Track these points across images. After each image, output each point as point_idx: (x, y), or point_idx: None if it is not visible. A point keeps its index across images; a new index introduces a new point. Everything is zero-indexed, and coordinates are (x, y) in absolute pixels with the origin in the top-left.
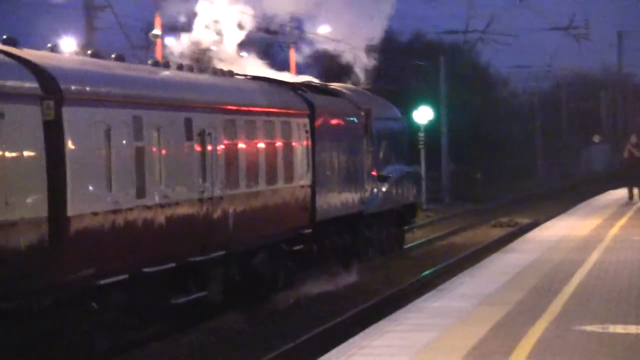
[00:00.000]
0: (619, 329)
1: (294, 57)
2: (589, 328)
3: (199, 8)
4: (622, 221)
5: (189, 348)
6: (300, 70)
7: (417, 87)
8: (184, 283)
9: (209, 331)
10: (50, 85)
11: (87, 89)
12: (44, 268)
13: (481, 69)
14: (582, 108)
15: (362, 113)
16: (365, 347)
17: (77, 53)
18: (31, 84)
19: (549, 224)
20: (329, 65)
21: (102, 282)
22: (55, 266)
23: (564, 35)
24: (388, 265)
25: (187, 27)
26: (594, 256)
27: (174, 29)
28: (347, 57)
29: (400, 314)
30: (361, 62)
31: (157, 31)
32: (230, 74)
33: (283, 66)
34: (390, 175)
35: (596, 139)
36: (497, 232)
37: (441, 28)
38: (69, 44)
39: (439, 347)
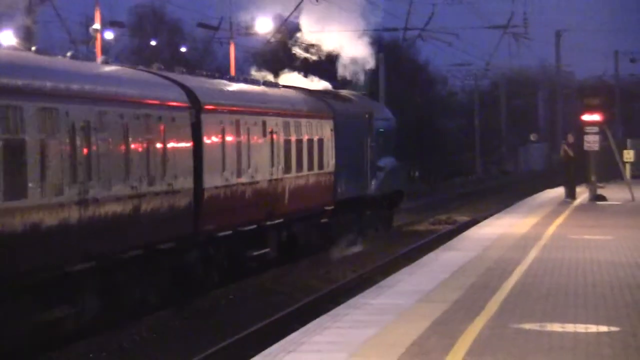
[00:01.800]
0: (557, 327)
1: (233, 52)
2: (526, 326)
3: None
4: (560, 220)
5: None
6: (238, 65)
7: (356, 83)
8: (254, 241)
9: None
10: (193, 99)
11: (213, 101)
12: (190, 221)
13: (420, 66)
14: (520, 106)
15: (366, 115)
16: (305, 343)
17: (17, 47)
18: (184, 98)
19: (487, 222)
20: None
21: (219, 234)
22: (196, 221)
23: (502, 34)
24: (329, 263)
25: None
26: (532, 254)
27: (113, 23)
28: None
29: (339, 310)
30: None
31: (96, 26)
32: (277, 85)
33: (223, 60)
34: (385, 166)
35: (533, 137)
36: (436, 230)
37: (380, 25)
38: (7, 38)
39: (378, 343)
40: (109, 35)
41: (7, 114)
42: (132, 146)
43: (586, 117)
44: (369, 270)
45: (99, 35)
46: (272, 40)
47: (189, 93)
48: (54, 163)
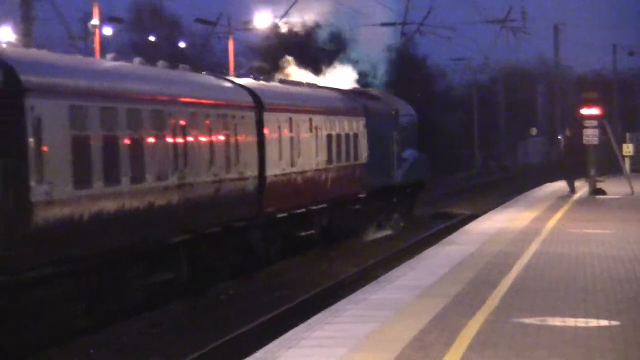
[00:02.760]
0: (557, 321)
1: (232, 47)
2: (527, 320)
3: None
4: (559, 214)
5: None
6: (237, 60)
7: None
8: (302, 223)
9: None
10: (257, 100)
11: (272, 101)
12: (255, 204)
13: (419, 61)
14: (519, 101)
15: (393, 112)
16: (306, 338)
17: (16, 44)
18: (250, 100)
19: (487, 216)
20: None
21: (278, 216)
22: (259, 204)
23: (500, 29)
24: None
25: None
26: (532, 248)
27: (112, 19)
28: None
29: (339, 305)
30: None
31: (95, 21)
32: (316, 86)
33: (221, 55)
34: (408, 158)
35: (532, 131)
36: (436, 224)
37: (378, 20)
38: (6, 34)
39: (379, 338)
40: (107, 31)
41: (130, 116)
42: (214, 140)
43: (585, 111)
44: (370, 265)
45: (97, 31)
46: (271, 35)
47: (253, 95)
48: (162, 154)
